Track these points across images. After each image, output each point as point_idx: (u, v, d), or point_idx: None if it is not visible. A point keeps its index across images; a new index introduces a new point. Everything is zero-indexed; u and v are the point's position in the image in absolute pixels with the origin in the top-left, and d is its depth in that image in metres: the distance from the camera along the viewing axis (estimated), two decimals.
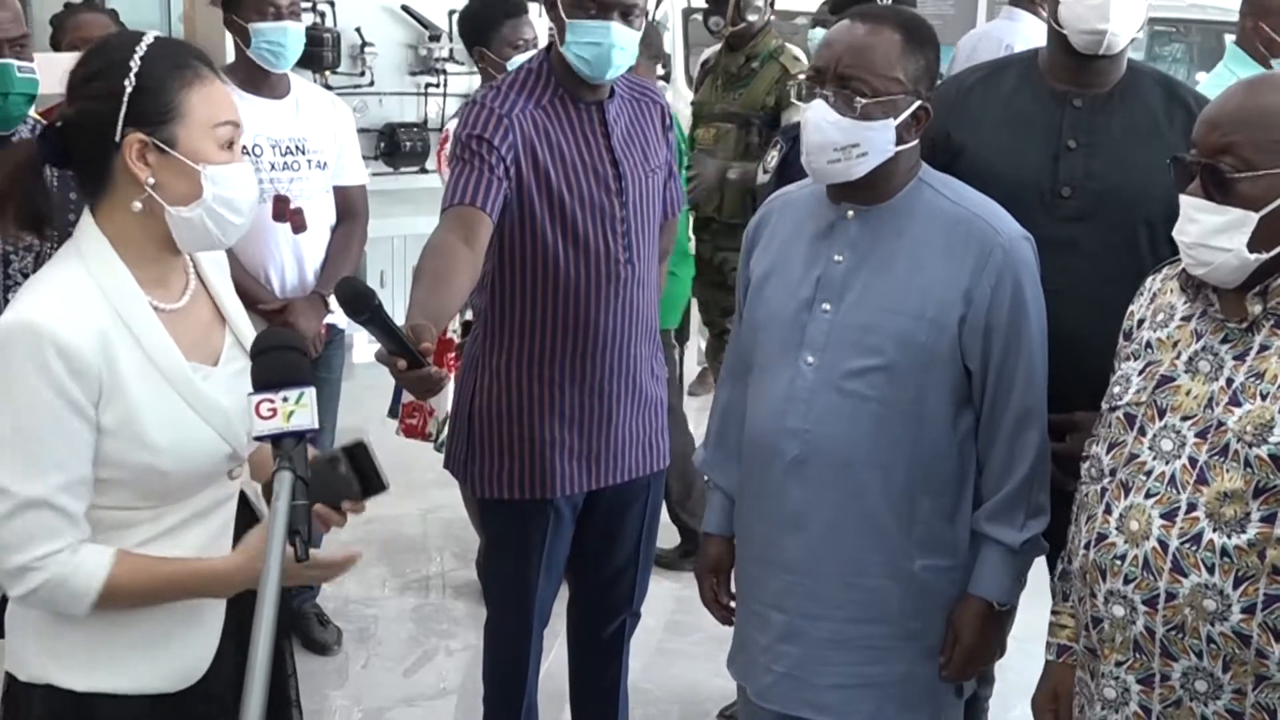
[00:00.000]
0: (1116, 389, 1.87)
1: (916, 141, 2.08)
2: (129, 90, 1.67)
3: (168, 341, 1.73)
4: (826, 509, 2.08)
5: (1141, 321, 1.90)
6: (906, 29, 2.03)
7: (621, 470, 2.70)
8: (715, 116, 4.37)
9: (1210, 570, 1.68)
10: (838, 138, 2.00)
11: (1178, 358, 1.79)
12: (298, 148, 3.41)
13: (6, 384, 1.63)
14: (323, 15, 5.91)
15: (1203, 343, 1.78)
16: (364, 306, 1.79)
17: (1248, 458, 1.67)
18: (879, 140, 2.01)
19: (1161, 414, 1.78)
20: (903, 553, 2.08)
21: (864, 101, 1.99)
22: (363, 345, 6.82)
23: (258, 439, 1.56)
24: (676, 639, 3.71)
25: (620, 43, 2.47)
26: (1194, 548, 1.70)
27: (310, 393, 1.57)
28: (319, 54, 5.75)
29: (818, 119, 2.01)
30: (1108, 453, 1.85)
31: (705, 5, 4.36)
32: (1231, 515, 1.68)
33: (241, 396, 1.73)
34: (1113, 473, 1.83)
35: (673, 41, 7.91)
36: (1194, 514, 1.71)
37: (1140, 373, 1.84)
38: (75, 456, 1.65)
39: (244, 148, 3.17)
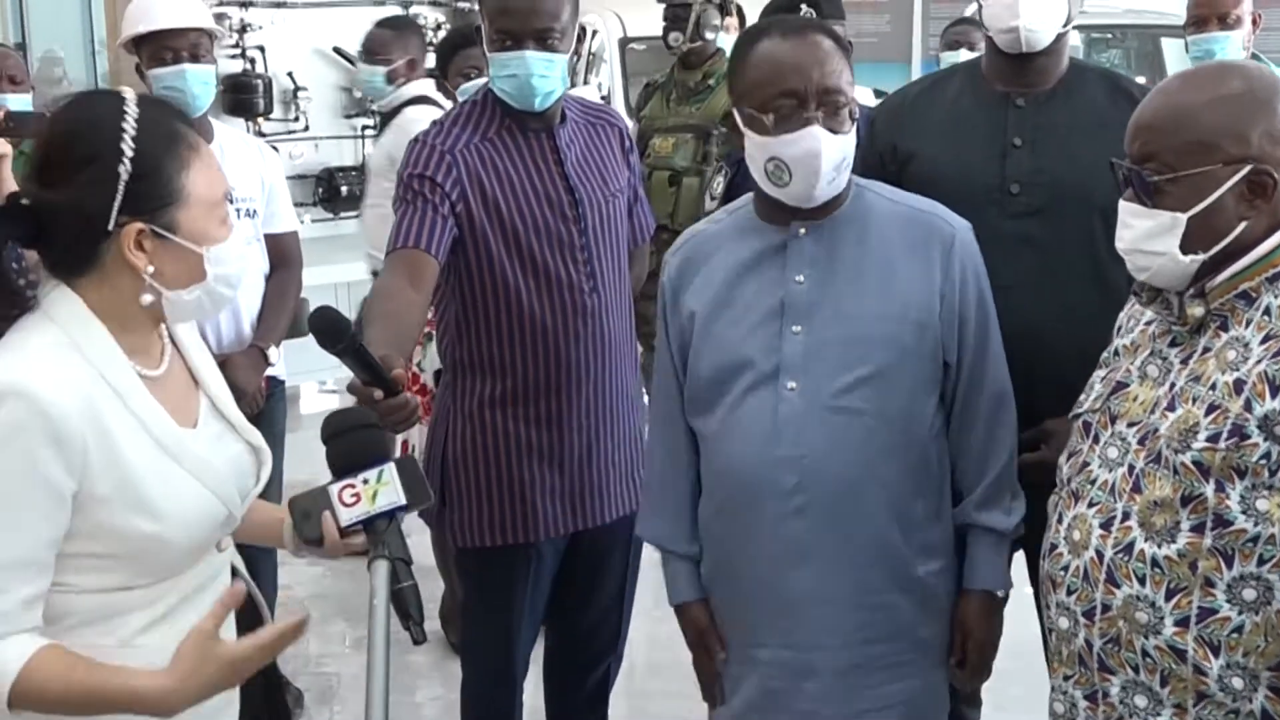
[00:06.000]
0: (1082, 396, 1.82)
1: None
2: (124, 178, 1.54)
3: (158, 407, 1.63)
4: (832, 533, 2.01)
5: (1119, 329, 1.86)
6: (833, 35, 2.02)
7: (606, 509, 2.58)
8: (672, 128, 4.49)
9: (1142, 581, 1.63)
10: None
11: (1134, 363, 1.75)
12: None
13: None
14: (253, 61, 5.80)
15: (1154, 347, 1.73)
16: (340, 337, 1.71)
17: (1175, 464, 1.61)
18: (852, 149, 2.00)
19: (1113, 420, 1.73)
20: (907, 562, 2.05)
21: (846, 111, 1.97)
22: (311, 396, 6.69)
23: (348, 527, 1.51)
24: (653, 679, 3.61)
25: (538, 70, 2.39)
26: (1126, 558, 1.64)
27: (390, 468, 1.53)
28: (250, 101, 5.65)
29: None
30: (1066, 461, 1.81)
31: (665, 22, 4.48)
32: (1162, 524, 1.62)
33: (221, 458, 1.68)
34: (1068, 481, 1.79)
35: (610, 72, 7.89)
36: (1128, 523, 1.66)
37: (1102, 379, 1.80)
38: (32, 535, 1.51)
39: None
